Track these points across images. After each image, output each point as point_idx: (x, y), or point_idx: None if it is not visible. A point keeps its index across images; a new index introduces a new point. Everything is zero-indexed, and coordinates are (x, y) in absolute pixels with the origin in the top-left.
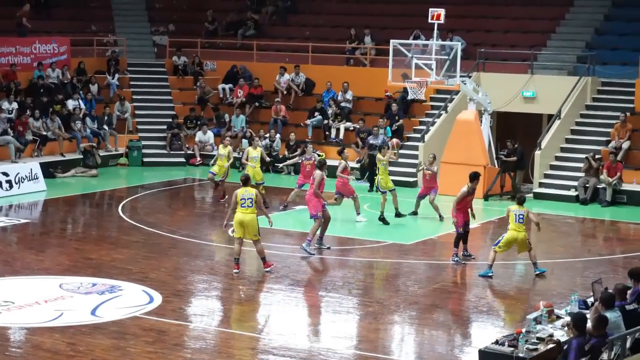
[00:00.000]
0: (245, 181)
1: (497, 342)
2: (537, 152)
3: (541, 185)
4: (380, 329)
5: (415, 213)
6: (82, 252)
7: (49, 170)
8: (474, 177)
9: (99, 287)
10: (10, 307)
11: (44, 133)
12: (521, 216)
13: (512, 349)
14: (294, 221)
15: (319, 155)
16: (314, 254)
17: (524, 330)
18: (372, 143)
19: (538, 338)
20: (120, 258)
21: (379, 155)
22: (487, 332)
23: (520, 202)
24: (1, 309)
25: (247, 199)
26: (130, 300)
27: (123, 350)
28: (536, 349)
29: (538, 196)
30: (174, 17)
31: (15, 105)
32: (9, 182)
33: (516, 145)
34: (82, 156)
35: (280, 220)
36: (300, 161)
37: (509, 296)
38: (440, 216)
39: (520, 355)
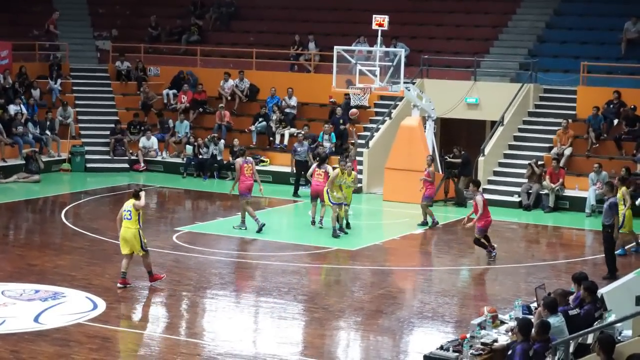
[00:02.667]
0: (135, 194)
1: (441, 348)
2: (481, 159)
3: (485, 191)
4: (325, 334)
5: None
6: (25, 259)
7: None
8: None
9: (41, 293)
10: None
11: None
12: None
13: (456, 354)
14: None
15: (262, 161)
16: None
17: (468, 335)
18: (298, 150)
19: (482, 343)
20: (64, 264)
21: (339, 174)
22: (432, 337)
23: None
24: None
25: (126, 211)
26: (74, 307)
27: (67, 358)
28: (480, 355)
29: None
30: (117, 22)
31: None
32: None
33: (462, 152)
34: (24, 162)
35: (226, 226)
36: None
37: (454, 302)
38: (433, 221)
39: None
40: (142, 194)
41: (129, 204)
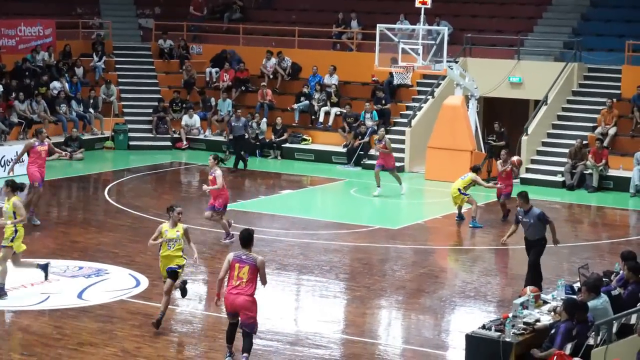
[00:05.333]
0: None
1: (484, 327)
2: (524, 138)
3: (528, 170)
4: (367, 313)
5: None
6: (69, 236)
7: None
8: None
9: (85, 270)
10: None
11: (30, 116)
12: None
13: (498, 333)
14: (280, 206)
15: (304, 140)
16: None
17: (510, 315)
18: (233, 124)
19: (525, 323)
20: (107, 242)
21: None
22: (473, 316)
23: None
24: None
25: None
26: (117, 283)
27: (110, 334)
28: (522, 334)
29: (525, 181)
30: (160, 0)
31: (0, 87)
32: None
33: (503, 129)
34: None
35: (268, 204)
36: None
37: (495, 281)
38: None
39: (507, 339)
40: None
41: None
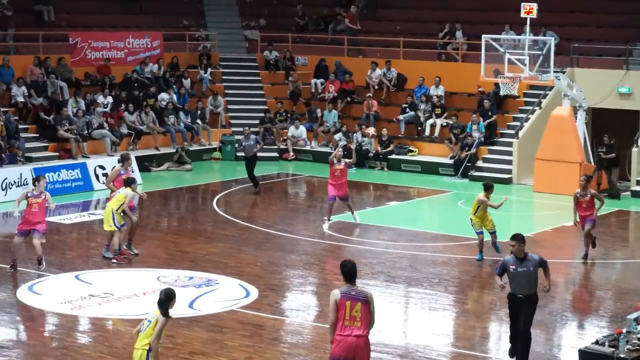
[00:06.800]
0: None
1: (597, 342)
2: (635, 150)
3: (639, 183)
4: (477, 326)
5: None
6: (179, 246)
7: (144, 164)
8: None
9: (195, 280)
10: (110, 299)
11: (139, 127)
12: None
13: (612, 349)
14: (387, 217)
15: (410, 151)
16: None
17: (624, 330)
18: (244, 144)
19: (639, 338)
20: (216, 252)
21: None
22: (586, 332)
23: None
24: (101, 300)
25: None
26: (227, 294)
27: (221, 344)
28: (637, 350)
29: (636, 194)
30: (265, 11)
31: (110, 99)
32: (105, 175)
33: (612, 141)
34: (175, 151)
35: (375, 215)
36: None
37: (608, 296)
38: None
39: (622, 355)
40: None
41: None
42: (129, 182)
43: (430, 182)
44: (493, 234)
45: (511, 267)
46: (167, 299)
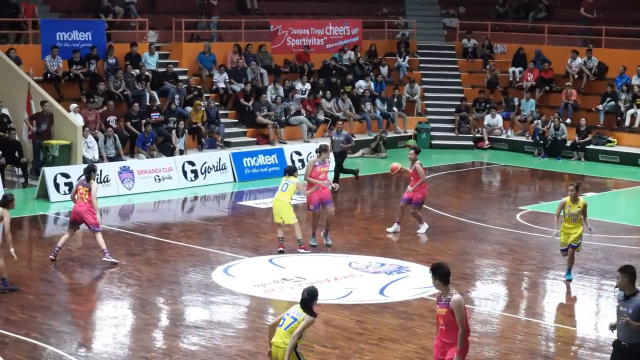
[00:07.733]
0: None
1: None
2: None
3: None
4: None
5: None
6: (370, 232)
7: None
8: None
9: (387, 267)
10: (302, 283)
11: (335, 114)
12: None
13: None
14: None
15: (609, 142)
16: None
17: None
18: (334, 139)
19: None
20: (407, 239)
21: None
22: None
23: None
24: (293, 284)
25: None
26: (418, 281)
27: (410, 331)
28: None
29: None
30: None
31: (308, 86)
32: (301, 161)
33: None
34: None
35: None
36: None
37: None
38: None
39: None
40: None
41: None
42: (291, 171)
43: (628, 174)
44: None
45: (617, 302)
46: (310, 297)
